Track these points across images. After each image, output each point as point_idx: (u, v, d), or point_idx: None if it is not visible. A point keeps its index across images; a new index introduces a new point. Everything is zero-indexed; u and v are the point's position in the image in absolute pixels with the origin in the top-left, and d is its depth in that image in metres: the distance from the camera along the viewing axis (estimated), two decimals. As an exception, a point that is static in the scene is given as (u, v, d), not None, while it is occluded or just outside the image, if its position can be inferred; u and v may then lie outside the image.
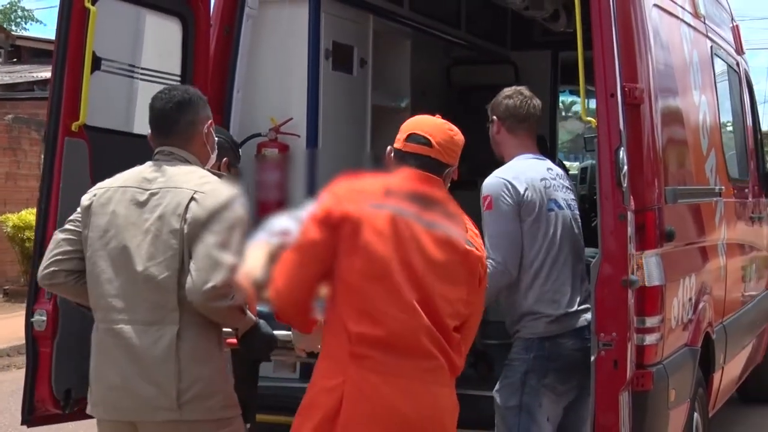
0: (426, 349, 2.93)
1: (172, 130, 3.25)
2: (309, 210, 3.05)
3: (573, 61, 4.08)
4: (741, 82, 6.93)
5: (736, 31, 7.13)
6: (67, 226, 3.30)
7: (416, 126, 3.15)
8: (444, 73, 7.79)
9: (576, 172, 10.11)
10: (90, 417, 3.30)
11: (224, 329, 3.23)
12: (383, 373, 2.90)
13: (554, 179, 3.96)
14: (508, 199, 3.81)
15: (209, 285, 3.00)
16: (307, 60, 5.01)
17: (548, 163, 4.07)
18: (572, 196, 4.00)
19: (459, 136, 3.19)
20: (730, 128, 6.48)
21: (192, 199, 3.12)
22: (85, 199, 3.27)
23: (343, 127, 5.37)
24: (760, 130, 7.56)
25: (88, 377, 3.22)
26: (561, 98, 9.26)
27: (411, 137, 3.11)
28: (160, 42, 4.70)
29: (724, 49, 6.35)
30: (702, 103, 5.37)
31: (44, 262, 3.26)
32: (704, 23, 5.71)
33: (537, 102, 4.11)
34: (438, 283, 2.97)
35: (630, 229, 3.79)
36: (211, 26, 4.75)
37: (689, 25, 5.31)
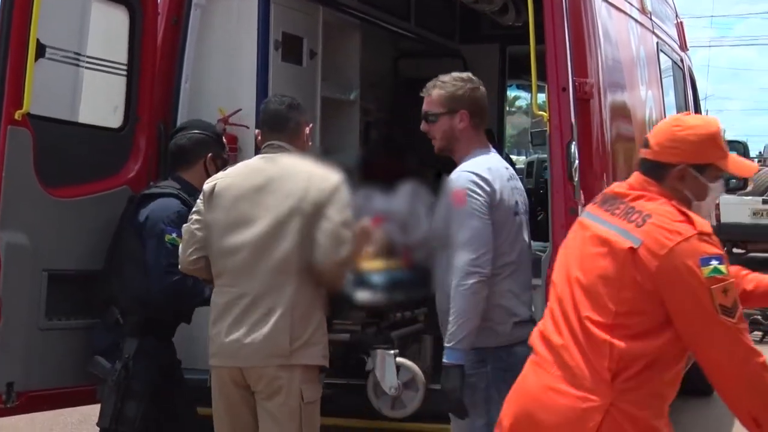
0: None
1: (284, 127, 3.84)
2: None
3: (521, 55, 4.10)
4: (685, 78, 7.03)
5: (680, 28, 7.24)
6: (193, 217, 3.81)
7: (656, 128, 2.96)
8: (392, 65, 7.78)
9: (522, 166, 10.18)
10: (29, 411, 3.33)
11: None
12: (533, 362, 2.85)
13: (513, 179, 3.79)
14: (481, 194, 3.57)
15: (341, 257, 3.63)
16: (256, 51, 4.96)
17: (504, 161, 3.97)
18: (525, 199, 3.80)
19: (684, 131, 2.83)
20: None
21: (308, 182, 3.68)
22: (207, 187, 3.80)
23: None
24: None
25: (31, 370, 3.27)
26: (509, 92, 9.30)
27: (644, 142, 2.92)
28: (107, 30, 4.61)
29: (669, 45, 6.43)
30: (648, 98, 5.43)
31: (186, 250, 3.78)
32: (650, 19, 5.78)
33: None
34: (584, 277, 2.78)
35: (580, 224, 3.81)
36: (158, 15, 4.67)
37: (636, 20, 5.37)
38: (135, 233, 4.18)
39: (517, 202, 3.68)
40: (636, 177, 2.88)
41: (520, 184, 3.79)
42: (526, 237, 3.70)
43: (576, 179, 3.79)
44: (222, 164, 4.26)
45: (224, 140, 4.48)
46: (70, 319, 4.24)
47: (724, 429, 7.05)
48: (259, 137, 3.91)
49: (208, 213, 3.76)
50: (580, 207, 3.81)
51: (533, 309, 3.70)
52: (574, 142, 3.78)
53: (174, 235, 4.03)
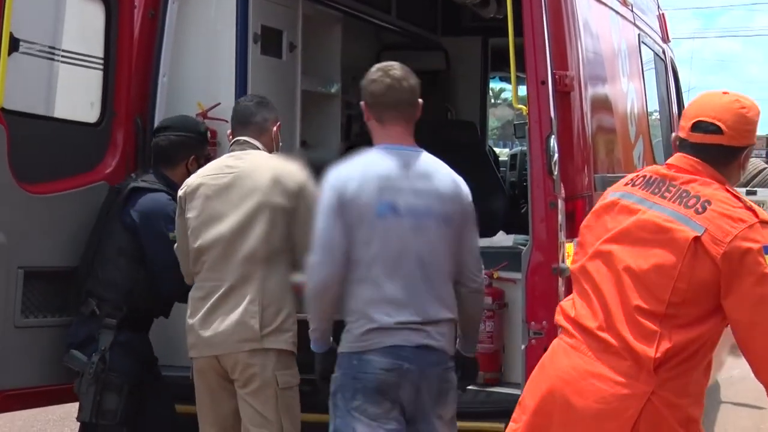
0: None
1: (249, 122, 4.01)
2: None
3: (503, 47, 4.07)
4: (667, 70, 7.01)
5: (662, 19, 7.22)
6: (176, 222, 4.01)
7: (702, 109, 2.82)
8: (374, 58, 7.72)
9: (506, 158, 10.15)
10: (5, 411, 3.37)
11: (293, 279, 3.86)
12: (569, 346, 2.83)
13: (406, 179, 3.37)
14: (332, 194, 3.34)
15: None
16: (235, 44, 4.90)
17: (413, 157, 3.43)
18: (431, 201, 3.38)
19: (751, 113, 2.81)
20: (656, 116, 6.55)
21: (274, 177, 3.82)
22: (179, 194, 3.98)
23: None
24: (685, 117, 7.66)
25: (6, 369, 3.73)
26: (491, 85, 9.28)
27: (697, 125, 2.79)
28: (83, 24, 4.55)
29: (651, 37, 6.42)
30: (630, 91, 5.42)
31: (187, 265, 3.98)
32: (632, 11, 5.76)
33: (409, 84, 3.46)
34: (635, 264, 2.74)
35: (560, 217, 3.80)
36: (135, 9, 4.62)
37: (617, 12, 5.35)
38: (125, 228, 4.16)
39: (391, 203, 3.33)
40: (682, 159, 2.81)
41: (426, 184, 3.38)
42: (411, 241, 3.33)
43: (556, 173, 3.76)
44: (206, 162, 4.26)
45: (208, 137, 4.46)
46: (46, 316, 4.20)
47: (709, 421, 7.08)
48: (230, 136, 4.08)
49: (181, 218, 3.97)
50: (559, 200, 3.79)
51: (415, 317, 3.34)
52: (553, 136, 3.76)
53: (173, 233, 4.07)
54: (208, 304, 3.87)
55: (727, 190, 2.78)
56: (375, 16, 6.70)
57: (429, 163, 3.46)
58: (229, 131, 4.15)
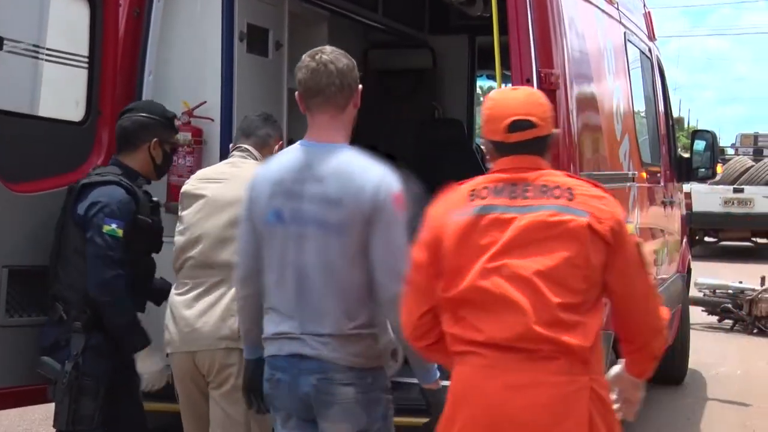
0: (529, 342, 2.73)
1: (252, 133, 4.11)
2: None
3: (490, 45, 4.07)
4: (653, 68, 7.03)
5: (648, 18, 7.24)
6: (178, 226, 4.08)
7: (510, 110, 2.85)
8: (361, 56, 7.74)
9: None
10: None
11: None
12: (484, 366, 2.74)
13: (300, 183, 3.12)
14: (246, 195, 3.24)
15: None
16: (220, 42, 4.89)
17: (320, 156, 3.12)
18: (318, 208, 3.08)
19: (544, 99, 2.90)
20: (642, 114, 6.57)
21: None
22: (182, 189, 4.10)
23: (259, 110, 5.28)
24: (671, 115, 7.69)
25: None
26: (479, 83, 9.28)
27: (514, 125, 2.81)
28: (67, 22, 4.54)
29: (637, 35, 6.43)
30: (616, 89, 5.43)
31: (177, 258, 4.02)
32: (618, 9, 5.77)
33: (337, 67, 3.15)
34: (535, 264, 2.72)
35: (545, 215, 3.79)
36: (120, 7, 4.60)
37: (603, 11, 5.36)
38: (76, 225, 4.01)
39: (278, 211, 3.13)
40: (515, 160, 2.82)
41: (316, 189, 3.08)
42: (292, 251, 3.11)
43: (541, 171, 3.76)
44: (171, 150, 4.19)
45: (176, 124, 4.29)
46: (31, 315, 4.18)
47: (695, 418, 7.10)
48: (232, 148, 4.17)
49: (182, 210, 4.06)
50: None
51: (294, 330, 3.16)
52: (538, 134, 3.75)
53: (114, 226, 3.90)
54: (188, 302, 3.91)
55: (569, 175, 2.90)
56: (362, 15, 6.70)
57: (333, 163, 3.10)
58: (232, 144, 4.22)
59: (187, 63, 4.88)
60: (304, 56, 3.22)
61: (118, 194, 3.97)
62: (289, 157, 3.22)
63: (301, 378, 3.13)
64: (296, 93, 3.21)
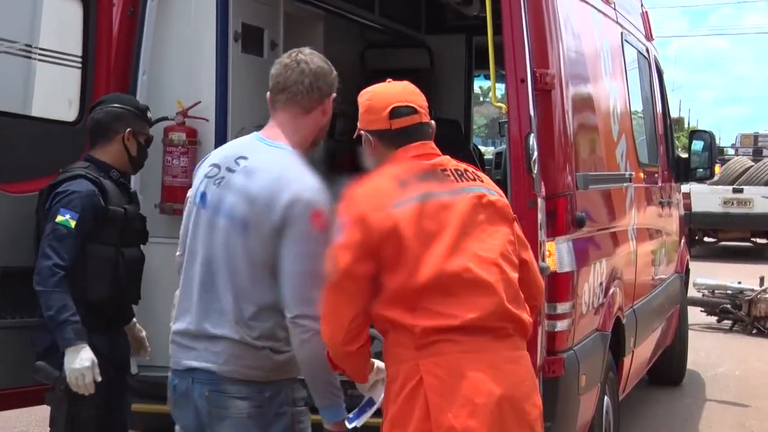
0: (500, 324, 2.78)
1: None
2: (335, 240, 2.78)
3: (486, 45, 4.04)
4: (651, 68, 7.01)
5: (645, 17, 7.22)
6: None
7: (391, 97, 2.88)
8: (359, 56, 7.72)
9: (491, 157, 10.15)
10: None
11: None
12: (461, 352, 2.72)
13: (232, 172, 3.02)
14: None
15: None
16: (215, 42, 4.86)
17: (263, 151, 3.05)
18: (236, 200, 2.98)
19: (418, 90, 2.96)
20: (640, 114, 6.55)
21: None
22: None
23: (254, 111, 5.26)
24: (669, 115, 7.67)
25: None
26: (478, 83, 9.27)
27: (396, 111, 2.85)
28: (60, 22, 4.52)
29: (634, 36, 6.41)
30: (613, 89, 5.41)
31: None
32: (614, 9, 5.75)
33: (309, 68, 3.06)
34: (490, 244, 2.79)
35: (540, 216, 3.78)
36: (113, 6, 4.58)
37: (599, 10, 5.33)
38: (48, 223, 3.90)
39: (205, 193, 3.03)
40: (419, 146, 2.85)
41: (243, 181, 2.98)
42: (202, 238, 3.02)
43: (535, 171, 3.74)
44: (145, 141, 4.10)
45: (149, 117, 4.19)
46: (24, 316, 4.15)
47: (694, 418, 7.08)
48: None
49: None
50: (539, 199, 3.77)
51: (190, 326, 3.05)
52: (532, 134, 3.74)
53: (67, 216, 3.78)
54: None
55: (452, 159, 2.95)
56: (358, 14, 6.67)
57: (268, 161, 3.00)
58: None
59: (182, 63, 4.85)
60: (285, 55, 3.17)
61: (80, 186, 3.86)
62: (236, 144, 3.19)
63: (194, 388, 3.00)
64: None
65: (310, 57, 3.10)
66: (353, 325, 2.78)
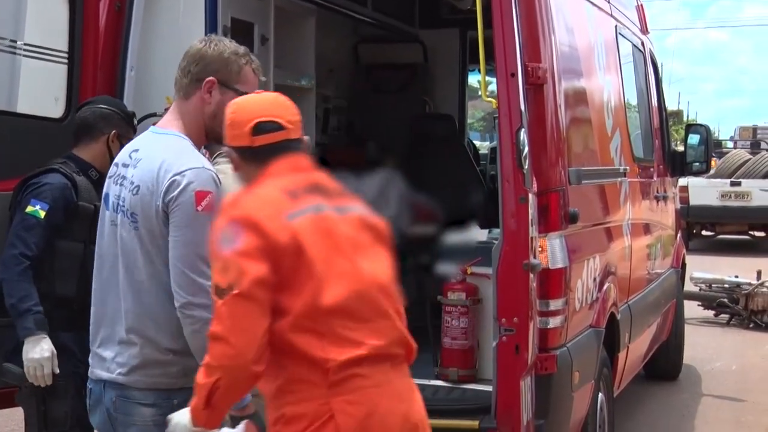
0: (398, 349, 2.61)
1: None
2: (229, 247, 2.48)
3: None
4: (646, 62, 6.96)
5: (640, 11, 7.17)
6: None
7: (252, 111, 2.64)
8: (352, 51, 7.66)
9: (486, 151, 10.09)
10: None
11: None
12: (373, 386, 2.51)
13: (126, 167, 2.96)
14: None
15: None
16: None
17: (149, 141, 3.00)
18: (126, 193, 2.92)
19: (290, 101, 2.71)
20: (635, 108, 6.50)
21: None
22: None
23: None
24: (665, 109, 7.62)
25: None
26: (476, 77, 9.22)
27: (258, 127, 2.61)
28: (46, 17, 4.46)
29: (629, 29, 6.36)
30: (606, 83, 5.36)
31: None
32: (608, 2, 5.70)
33: (189, 52, 3.04)
34: (382, 268, 2.61)
35: (531, 212, 3.73)
36: (100, 1, 4.53)
37: (594, 3, 5.29)
38: None
39: (106, 195, 2.99)
40: (300, 159, 2.63)
41: (132, 173, 2.91)
42: (107, 238, 2.96)
43: (526, 167, 3.70)
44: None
45: (135, 123, 4.20)
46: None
47: (690, 413, 7.04)
48: None
49: None
50: (530, 195, 3.73)
51: (102, 329, 2.99)
52: (523, 129, 3.69)
53: (37, 207, 3.75)
54: None
55: None
56: (351, 9, 6.61)
57: (151, 148, 2.93)
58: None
59: (170, 58, 4.74)
60: None
61: (53, 179, 3.85)
62: (134, 139, 3.15)
63: (105, 393, 2.95)
64: None
65: (200, 41, 3.02)
66: (264, 341, 2.46)
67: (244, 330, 2.44)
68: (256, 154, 2.60)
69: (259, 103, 2.67)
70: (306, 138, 2.70)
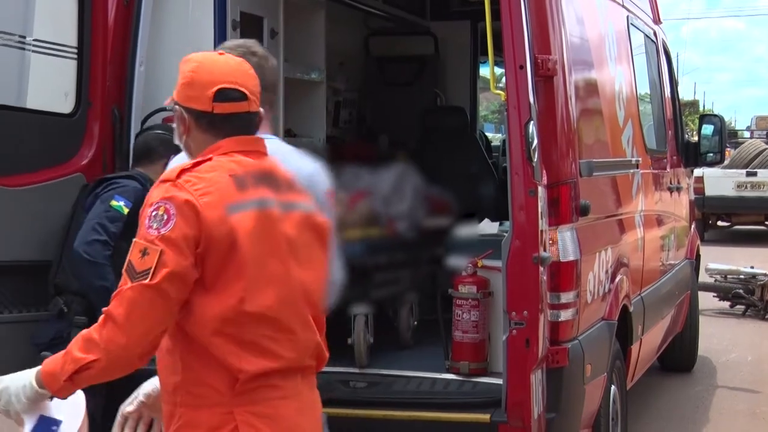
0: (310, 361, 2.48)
1: None
2: (157, 228, 2.28)
3: (493, 31, 3.96)
4: (658, 52, 6.91)
5: (653, 0, 7.11)
6: None
7: (217, 74, 2.39)
8: (363, 43, 7.64)
9: (498, 144, 10.07)
10: None
11: None
12: (280, 398, 2.38)
13: None
14: None
15: None
16: (213, 31, 4.81)
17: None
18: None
19: (252, 70, 2.48)
20: (647, 99, 6.46)
21: None
22: None
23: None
24: (678, 100, 7.57)
25: None
26: (484, 69, 9.16)
27: (222, 93, 2.37)
28: (55, 12, 4.46)
29: (641, 19, 6.31)
30: (618, 74, 5.32)
31: None
32: (620, -7, 5.66)
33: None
34: (313, 273, 2.46)
35: (541, 205, 3.71)
36: (109, -4, 4.53)
37: (605, -6, 5.25)
38: (87, 214, 4.07)
39: None
40: (255, 142, 2.43)
41: None
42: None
43: (535, 160, 3.67)
44: None
45: None
46: (21, 311, 4.12)
47: (705, 405, 7.01)
48: None
49: None
50: (540, 188, 3.70)
51: None
52: (532, 122, 3.66)
53: (121, 203, 3.98)
54: None
55: None
56: (361, 1, 6.60)
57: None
58: None
59: (179, 53, 4.72)
60: None
61: (133, 183, 4.11)
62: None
63: None
64: None
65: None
66: (159, 340, 2.30)
67: (143, 323, 2.26)
68: (213, 122, 2.39)
69: (224, 67, 2.42)
70: (262, 111, 2.48)
